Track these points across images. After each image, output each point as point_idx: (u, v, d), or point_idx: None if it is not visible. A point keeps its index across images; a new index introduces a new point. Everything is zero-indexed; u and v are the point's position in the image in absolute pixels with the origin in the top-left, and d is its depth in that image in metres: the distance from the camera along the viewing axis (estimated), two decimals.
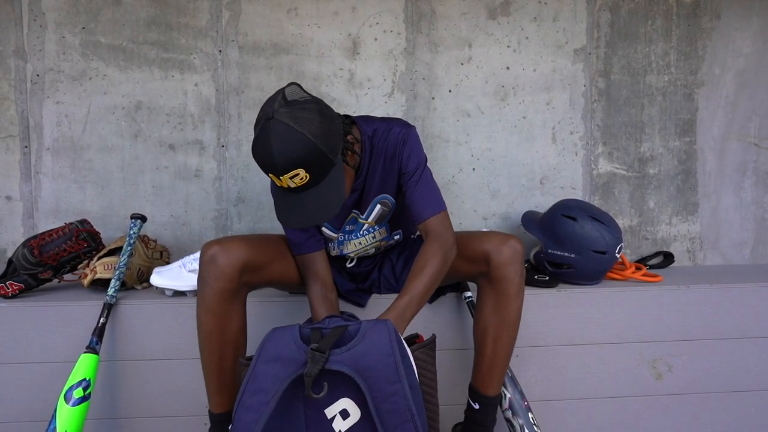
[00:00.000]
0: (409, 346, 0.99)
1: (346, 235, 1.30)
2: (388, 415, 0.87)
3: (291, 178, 0.99)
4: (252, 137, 1.73)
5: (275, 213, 1.07)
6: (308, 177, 1.00)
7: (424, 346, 1.04)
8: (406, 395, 0.88)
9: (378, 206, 1.26)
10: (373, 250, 1.36)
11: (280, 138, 0.96)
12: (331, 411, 0.91)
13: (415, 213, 1.19)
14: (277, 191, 1.07)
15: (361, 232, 1.30)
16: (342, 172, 1.04)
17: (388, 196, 1.26)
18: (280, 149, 0.96)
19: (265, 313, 1.38)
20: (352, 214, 1.28)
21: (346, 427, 0.91)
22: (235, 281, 1.11)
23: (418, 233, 1.46)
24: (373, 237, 1.31)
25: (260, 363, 0.91)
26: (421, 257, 1.11)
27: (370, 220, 1.28)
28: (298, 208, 1.03)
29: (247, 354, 1.20)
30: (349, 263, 1.38)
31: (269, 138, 0.96)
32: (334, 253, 1.35)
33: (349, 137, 1.11)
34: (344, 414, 0.91)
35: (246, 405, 0.88)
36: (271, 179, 1.03)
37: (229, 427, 1.14)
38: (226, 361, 1.14)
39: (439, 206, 1.19)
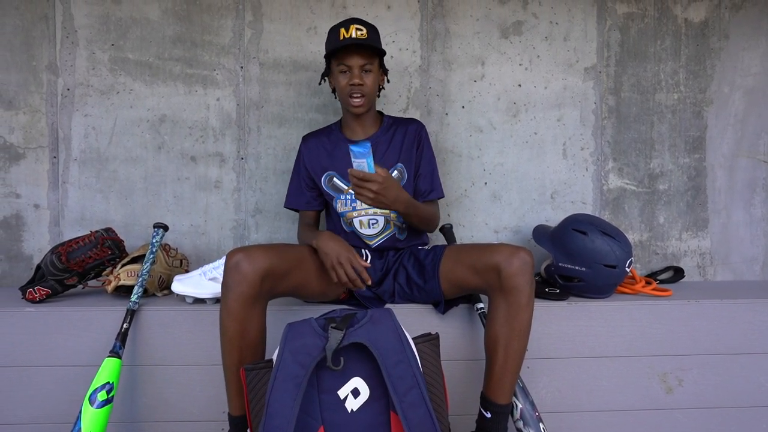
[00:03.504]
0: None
1: None
2: (398, 382, 0.99)
3: (357, 29, 1.40)
4: (270, 151, 1.79)
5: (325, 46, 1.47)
6: (366, 37, 1.41)
7: (428, 340, 1.12)
8: (410, 363, 1.00)
9: (396, 172, 1.51)
10: (382, 219, 1.49)
11: (366, 21, 1.45)
12: (343, 392, 1.02)
13: (423, 186, 1.52)
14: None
15: None
16: (378, 64, 1.48)
17: (403, 165, 1.51)
18: (365, 21, 1.45)
19: (283, 321, 1.40)
20: None
21: (358, 405, 1.01)
22: (257, 287, 1.15)
23: (428, 246, 1.51)
24: None
25: (287, 352, 1.01)
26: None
27: None
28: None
29: (267, 356, 1.24)
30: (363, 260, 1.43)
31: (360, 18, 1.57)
32: (344, 209, 1.50)
33: (386, 71, 1.57)
34: (355, 393, 1.02)
35: (280, 388, 0.97)
36: (340, 33, 1.40)
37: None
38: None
39: (439, 193, 1.55)
